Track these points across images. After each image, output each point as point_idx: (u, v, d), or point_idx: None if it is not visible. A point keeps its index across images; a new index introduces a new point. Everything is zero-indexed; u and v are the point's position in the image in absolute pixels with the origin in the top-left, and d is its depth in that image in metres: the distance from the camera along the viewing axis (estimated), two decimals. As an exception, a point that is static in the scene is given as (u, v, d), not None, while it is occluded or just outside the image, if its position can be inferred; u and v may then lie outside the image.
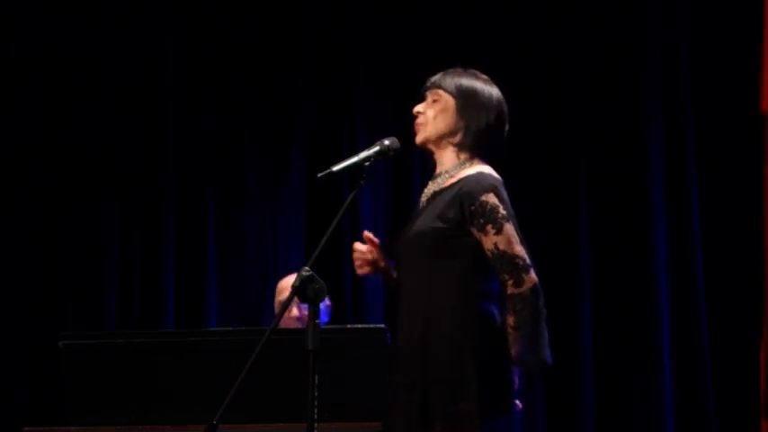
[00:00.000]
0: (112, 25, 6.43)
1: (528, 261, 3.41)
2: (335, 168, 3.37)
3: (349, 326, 4.97)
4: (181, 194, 6.41)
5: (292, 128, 6.42)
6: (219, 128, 6.44)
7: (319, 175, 3.37)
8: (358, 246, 3.64)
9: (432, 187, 3.58)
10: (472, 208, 3.43)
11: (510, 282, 3.40)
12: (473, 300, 3.43)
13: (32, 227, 6.35)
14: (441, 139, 3.57)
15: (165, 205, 6.36)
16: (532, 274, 3.41)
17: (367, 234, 3.63)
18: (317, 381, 3.07)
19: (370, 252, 3.62)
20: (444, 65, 3.68)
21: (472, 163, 3.55)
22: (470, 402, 3.36)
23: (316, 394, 3.07)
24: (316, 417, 3.07)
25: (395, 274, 3.62)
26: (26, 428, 4.12)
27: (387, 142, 3.47)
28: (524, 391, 3.46)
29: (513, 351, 3.39)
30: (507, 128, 3.60)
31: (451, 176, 3.54)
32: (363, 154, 3.42)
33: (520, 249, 3.42)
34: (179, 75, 6.47)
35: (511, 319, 3.39)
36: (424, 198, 3.60)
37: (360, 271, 3.66)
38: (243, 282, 6.36)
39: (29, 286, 6.31)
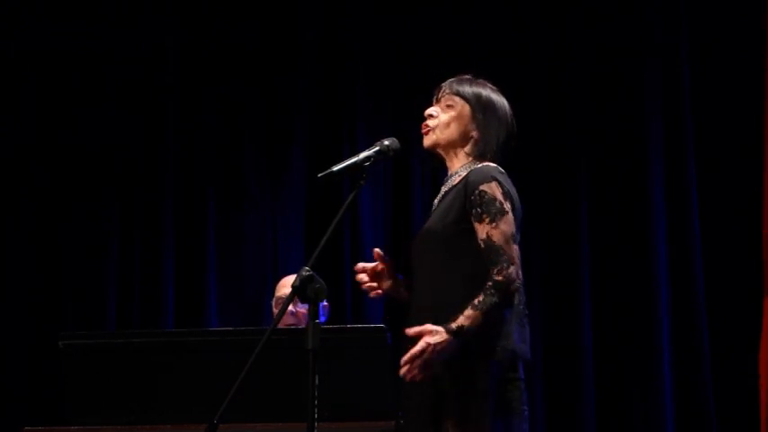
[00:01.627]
0: (112, 25, 6.43)
1: (516, 261, 3.38)
2: (336, 168, 3.37)
3: (349, 326, 4.96)
4: (181, 194, 6.40)
5: (292, 128, 6.42)
6: (219, 128, 6.44)
7: (319, 175, 3.37)
8: (359, 267, 3.65)
9: (443, 189, 3.61)
10: (472, 197, 3.44)
11: (494, 270, 3.35)
12: None
13: (32, 227, 6.35)
14: (451, 145, 3.59)
15: (165, 205, 6.36)
16: (517, 274, 3.36)
17: (377, 251, 3.63)
18: (317, 381, 3.07)
19: (377, 267, 3.62)
20: (444, 65, 3.69)
21: (481, 161, 3.56)
22: (480, 400, 3.36)
23: (316, 394, 3.06)
24: (316, 417, 3.07)
25: (405, 292, 3.62)
26: (26, 428, 4.11)
27: (387, 142, 3.47)
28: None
29: (464, 322, 3.30)
30: (515, 141, 3.61)
31: (460, 175, 3.56)
32: (363, 154, 3.42)
33: (510, 248, 3.39)
34: (179, 75, 6.47)
35: (477, 298, 3.32)
36: (436, 200, 3.62)
37: (372, 294, 3.67)
38: (243, 282, 6.35)
39: (29, 286, 6.30)
